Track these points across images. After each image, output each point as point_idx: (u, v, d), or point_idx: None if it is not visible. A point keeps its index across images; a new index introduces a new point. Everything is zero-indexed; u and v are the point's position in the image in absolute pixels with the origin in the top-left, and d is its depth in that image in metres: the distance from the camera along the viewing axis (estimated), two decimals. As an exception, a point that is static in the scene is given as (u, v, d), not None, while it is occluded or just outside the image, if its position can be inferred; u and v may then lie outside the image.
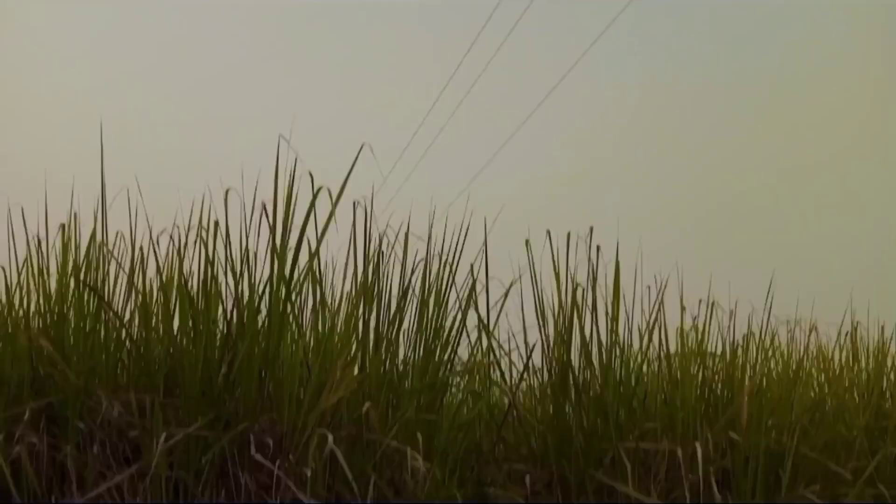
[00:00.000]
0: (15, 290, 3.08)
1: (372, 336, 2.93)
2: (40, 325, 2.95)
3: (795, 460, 3.05)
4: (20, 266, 3.06)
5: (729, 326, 3.41)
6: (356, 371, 2.81)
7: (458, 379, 3.28)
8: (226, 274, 2.89)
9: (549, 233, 3.27)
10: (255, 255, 2.88)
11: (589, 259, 3.21)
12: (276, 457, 2.53)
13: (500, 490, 2.96)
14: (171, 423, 2.58)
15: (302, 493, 2.41)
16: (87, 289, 2.83)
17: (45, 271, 2.95)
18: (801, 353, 3.58)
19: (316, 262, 2.90)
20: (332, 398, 2.55)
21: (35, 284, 2.97)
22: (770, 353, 3.52)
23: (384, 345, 2.95)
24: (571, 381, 3.15)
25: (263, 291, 2.81)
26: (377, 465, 2.64)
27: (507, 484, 2.98)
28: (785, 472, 3.02)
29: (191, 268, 2.90)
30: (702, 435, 2.98)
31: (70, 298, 2.91)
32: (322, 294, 2.90)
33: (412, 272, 3.07)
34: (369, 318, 2.92)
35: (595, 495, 2.94)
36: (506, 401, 3.29)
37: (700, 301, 3.43)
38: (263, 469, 2.51)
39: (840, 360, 3.80)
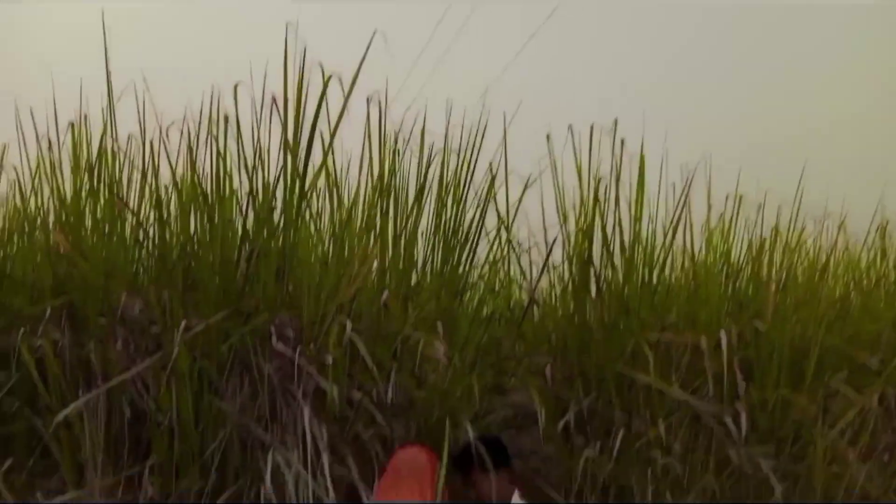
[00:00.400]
0: (30, 193, 3.06)
1: (390, 231, 2.88)
2: (57, 226, 2.93)
3: (821, 352, 3.01)
4: (33, 168, 3.03)
5: (756, 221, 3.32)
6: (374, 265, 2.78)
7: (478, 276, 3.25)
8: (239, 170, 2.83)
9: (570, 127, 3.16)
10: (268, 150, 2.81)
11: (613, 153, 3.10)
12: (296, 347, 2.52)
13: (519, 381, 2.96)
14: (192, 316, 2.58)
15: (324, 380, 2.42)
16: (102, 185, 2.79)
17: (58, 171, 2.91)
18: (829, 250, 3.50)
19: (330, 156, 2.83)
20: (351, 289, 2.53)
21: (49, 184, 2.94)
22: (797, 248, 3.44)
23: (403, 240, 2.90)
24: (593, 277, 3.10)
25: (276, 186, 2.75)
26: (397, 354, 2.63)
27: (527, 376, 2.97)
28: (810, 363, 2.99)
29: (203, 165, 2.85)
30: (726, 327, 2.93)
31: (84, 198, 2.88)
32: (338, 188, 2.84)
33: (428, 166, 2.99)
34: (387, 213, 2.86)
35: (616, 388, 2.93)
36: (525, 298, 3.26)
37: (727, 196, 3.34)
38: (285, 359, 2.51)
39: (868, 257, 3.71)
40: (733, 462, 2.78)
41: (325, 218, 2.98)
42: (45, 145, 2.95)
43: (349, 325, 2.38)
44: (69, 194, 2.90)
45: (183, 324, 2.41)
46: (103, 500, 2.48)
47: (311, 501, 2.23)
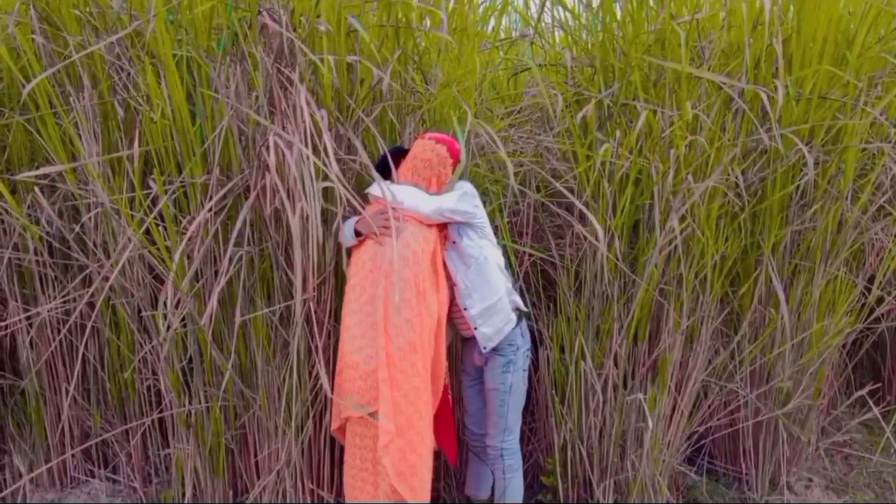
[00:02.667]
0: None
1: None
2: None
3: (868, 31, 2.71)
4: None
5: None
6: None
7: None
8: None
9: None
10: None
11: None
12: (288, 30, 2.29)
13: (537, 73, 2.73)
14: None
15: (318, 54, 2.22)
16: None
17: None
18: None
19: None
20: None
21: None
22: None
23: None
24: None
25: None
26: (399, 38, 2.40)
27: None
28: (854, 46, 2.71)
29: None
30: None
31: None
32: None
33: None
34: None
35: (641, 81, 2.71)
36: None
37: None
38: (278, 42, 2.30)
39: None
40: (764, 144, 2.62)
41: None
42: None
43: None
44: None
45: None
46: (107, 195, 2.43)
47: (314, 180, 2.13)
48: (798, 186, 2.76)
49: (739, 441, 3.00)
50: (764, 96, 2.48)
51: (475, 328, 2.44)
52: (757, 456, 3.01)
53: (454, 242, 2.42)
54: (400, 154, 2.49)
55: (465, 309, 2.44)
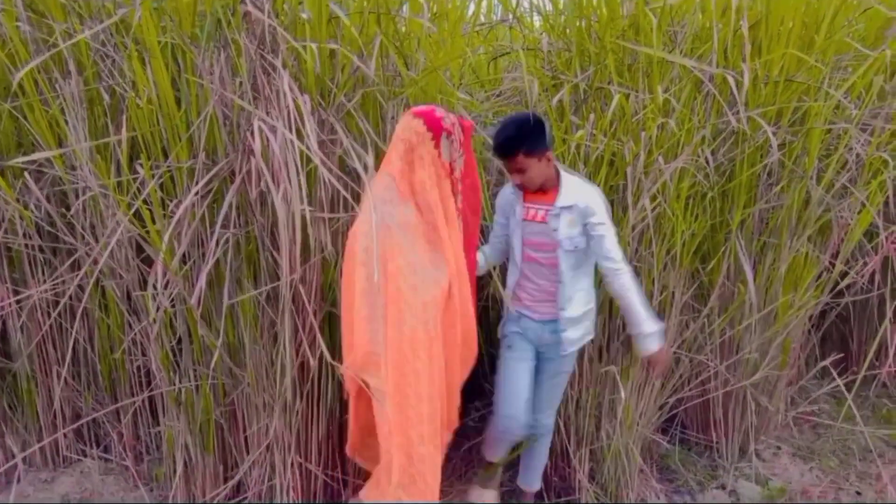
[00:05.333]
0: None
1: None
2: None
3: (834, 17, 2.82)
4: None
5: None
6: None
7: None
8: None
9: None
10: None
11: None
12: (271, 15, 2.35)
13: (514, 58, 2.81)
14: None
15: (301, 41, 2.28)
16: None
17: None
18: None
19: None
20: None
21: None
22: None
23: None
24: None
25: None
26: (380, 22, 2.46)
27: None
28: (821, 30, 2.81)
29: None
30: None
31: None
32: None
33: None
34: None
35: (615, 65, 2.79)
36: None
37: None
38: (261, 29, 2.35)
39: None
40: (732, 126, 2.72)
41: None
42: None
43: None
44: None
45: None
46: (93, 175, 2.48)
47: (298, 164, 2.20)
48: (766, 166, 2.87)
49: (710, 411, 3.14)
50: (731, 80, 2.58)
51: (563, 330, 2.48)
52: (727, 425, 3.15)
53: (577, 248, 2.45)
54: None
55: (561, 310, 2.48)
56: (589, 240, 2.43)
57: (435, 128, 2.23)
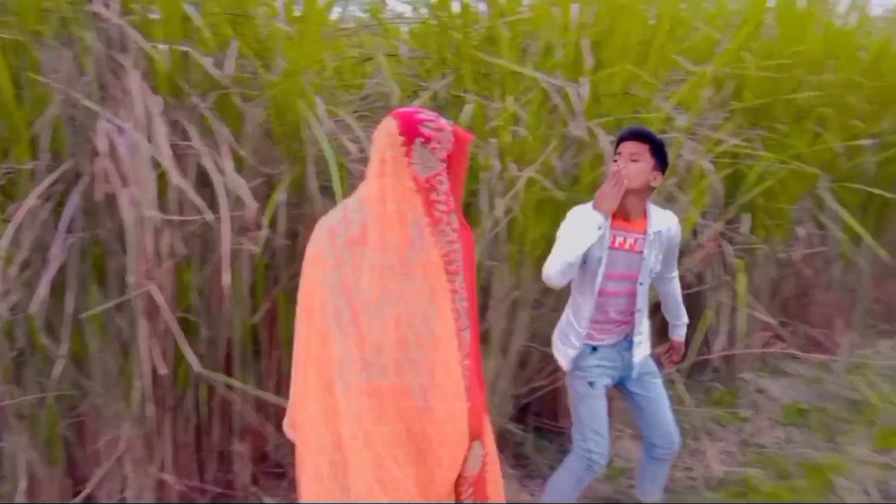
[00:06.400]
0: None
1: None
2: None
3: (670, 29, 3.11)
4: None
5: None
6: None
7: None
8: None
9: None
10: None
11: None
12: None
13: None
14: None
15: (150, 41, 2.23)
16: None
17: None
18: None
19: None
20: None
21: None
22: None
23: None
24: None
25: None
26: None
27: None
28: (657, 43, 3.09)
29: None
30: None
31: None
32: None
33: None
34: None
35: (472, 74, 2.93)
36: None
37: None
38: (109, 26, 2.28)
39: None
40: (574, 135, 2.94)
41: None
42: None
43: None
44: None
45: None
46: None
47: (148, 167, 2.16)
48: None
49: (559, 400, 3.36)
50: (572, 92, 2.79)
51: (635, 352, 2.50)
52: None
53: (652, 273, 2.45)
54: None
55: (637, 335, 2.48)
56: (661, 262, 2.45)
57: (408, 131, 1.70)
